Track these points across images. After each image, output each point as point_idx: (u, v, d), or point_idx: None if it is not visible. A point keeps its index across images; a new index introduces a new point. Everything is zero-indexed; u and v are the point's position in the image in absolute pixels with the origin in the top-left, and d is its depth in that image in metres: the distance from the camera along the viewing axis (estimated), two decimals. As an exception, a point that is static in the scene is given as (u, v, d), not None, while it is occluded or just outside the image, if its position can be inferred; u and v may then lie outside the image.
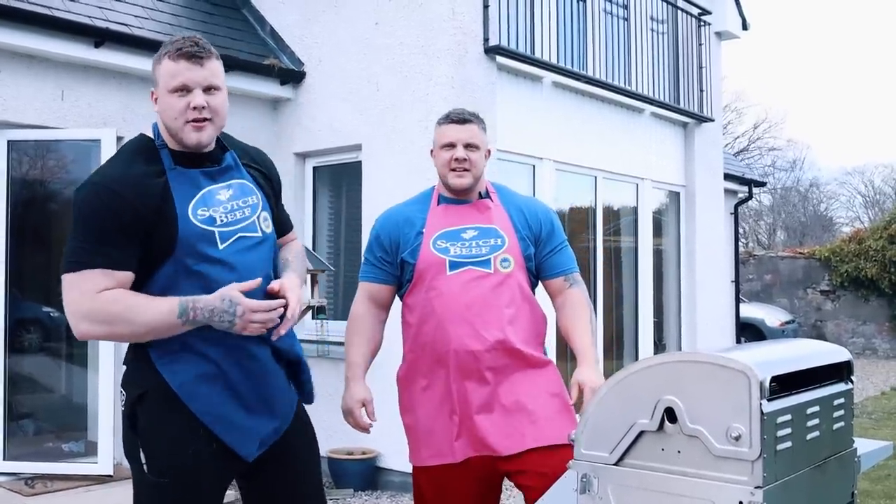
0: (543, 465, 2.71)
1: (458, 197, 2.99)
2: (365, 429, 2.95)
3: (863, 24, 53.97)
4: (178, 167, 2.28)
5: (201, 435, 2.30)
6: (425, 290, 2.89)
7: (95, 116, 5.86)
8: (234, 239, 2.29)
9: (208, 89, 2.27)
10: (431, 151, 3.05)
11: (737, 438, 1.86)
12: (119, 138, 5.83)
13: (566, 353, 3.03)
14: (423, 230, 2.94)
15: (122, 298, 2.17)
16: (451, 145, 2.93)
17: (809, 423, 2.05)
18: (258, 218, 2.37)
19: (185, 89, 2.23)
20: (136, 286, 2.23)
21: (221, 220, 2.28)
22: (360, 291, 3.08)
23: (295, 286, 2.36)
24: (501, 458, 2.82)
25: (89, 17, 5.67)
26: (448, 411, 2.86)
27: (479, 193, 3.02)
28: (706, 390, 1.92)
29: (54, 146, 5.86)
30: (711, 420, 1.90)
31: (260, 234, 2.37)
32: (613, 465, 2.05)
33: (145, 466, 2.30)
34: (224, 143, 2.44)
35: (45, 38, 5.47)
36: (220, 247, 2.26)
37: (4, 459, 5.56)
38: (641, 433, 2.01)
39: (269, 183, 2.51)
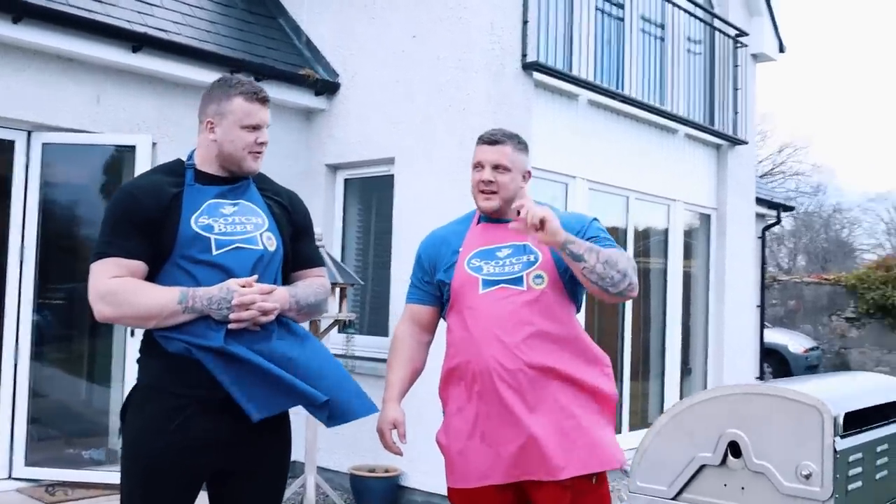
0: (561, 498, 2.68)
1: (495, 216, 2.94)
2: (395, 451, 2.92)
3: (892, 48, 53.65)
4: (197, 184, 2.58)
5: (176, 427, 2.43)
6: (460, 309, 2.87)
7: (131, 122, 5.84)
8: (231, 248, 2.52)
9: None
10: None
11: (807, 476, 1.78)
12: (154, 144, 5.82)
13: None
14: (460, 249, 2.92)
15: (130, 283, 2.44)
16: (480, 166, 2.90)
17: (879, 462, 1.96)
18: (260, 235, 2.59)
19: (257, 128, 2.61)
20: (148, 280, 2.50)
21: (220, 230, 2.52)
22: (404, 313, 3.09)
23: (268, 289, 2.49)
24: (526, 482, 2.76)
25: (128, 21, 5.66)
26: (479, 434, 2.80)
27: (518, 211, 2.95)
28: (774, 425, 1.83)
29: (89, 150, 5.84)
30: (779, 456, 1.82)
31: (261, 247, 2.57)
32: (671, 499, 1.97)
33: (120, 451, 2.57)
34: (253, 177, 2.72)
35: (82, 42, 5.46)
36: (214, 252, 2.49)
37: (25, 465, 5.54)
38: (702, 467, 1.93)
39: (286, 215, 2.73)
